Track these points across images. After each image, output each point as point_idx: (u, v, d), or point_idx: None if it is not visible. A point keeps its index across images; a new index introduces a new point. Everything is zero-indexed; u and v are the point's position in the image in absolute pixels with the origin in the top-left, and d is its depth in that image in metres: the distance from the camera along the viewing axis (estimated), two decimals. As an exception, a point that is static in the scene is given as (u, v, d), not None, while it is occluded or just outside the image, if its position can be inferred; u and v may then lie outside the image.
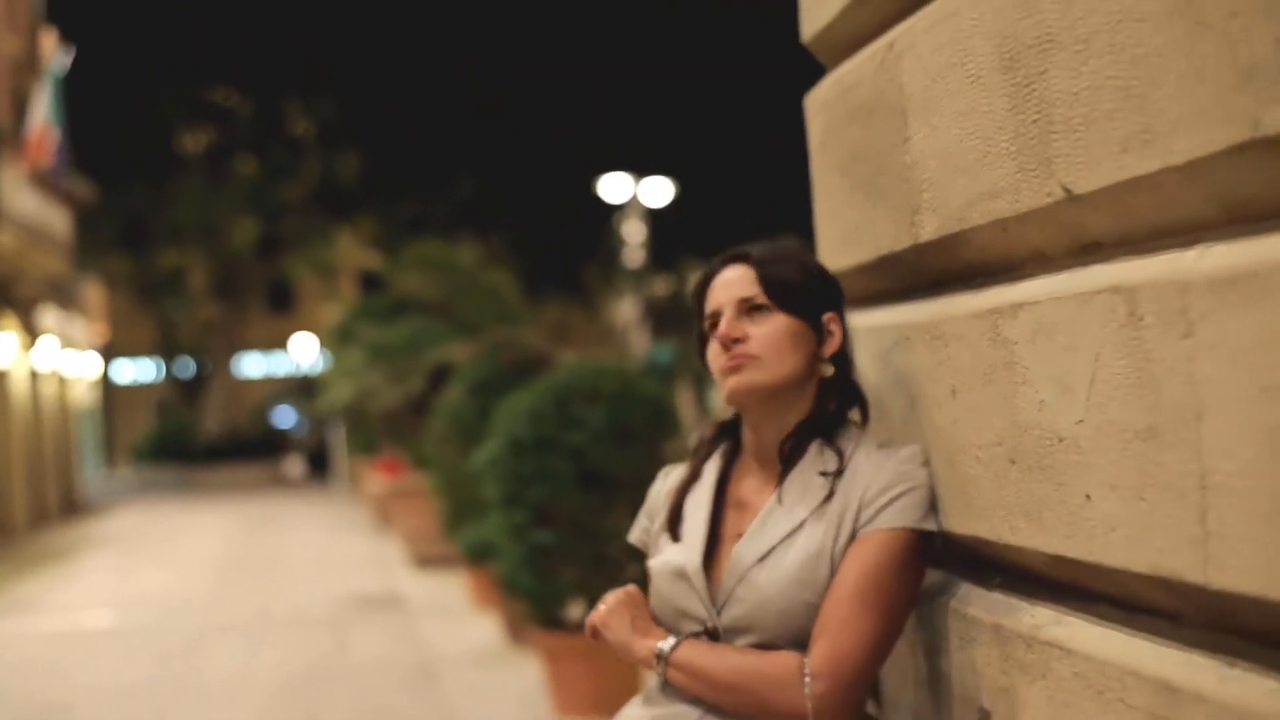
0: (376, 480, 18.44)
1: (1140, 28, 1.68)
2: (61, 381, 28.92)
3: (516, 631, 9.37)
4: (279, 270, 39.67)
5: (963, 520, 2.31)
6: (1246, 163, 1.53)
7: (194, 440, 38.73)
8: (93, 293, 34.98)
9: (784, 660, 2.28)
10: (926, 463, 2.37)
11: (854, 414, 2.53)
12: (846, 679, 2.24)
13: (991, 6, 2.06)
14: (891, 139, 2.47)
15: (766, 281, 2.43)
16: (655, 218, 32.53)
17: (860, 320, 2.76)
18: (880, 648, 2.28)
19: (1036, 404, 2.02)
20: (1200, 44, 1.57)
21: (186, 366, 42.99)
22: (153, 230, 35.58)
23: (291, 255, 37.66)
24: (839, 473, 2.36)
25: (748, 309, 2.43)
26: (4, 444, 23.15)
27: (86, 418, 35.88)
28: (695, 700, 2.37)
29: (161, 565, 17.12)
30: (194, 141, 35.52)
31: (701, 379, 26.76)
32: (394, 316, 18.14)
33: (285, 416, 47.13)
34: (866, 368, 2.67)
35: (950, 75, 2.22)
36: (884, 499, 2.31)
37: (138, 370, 48.95)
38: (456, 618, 11.13)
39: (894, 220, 2.51)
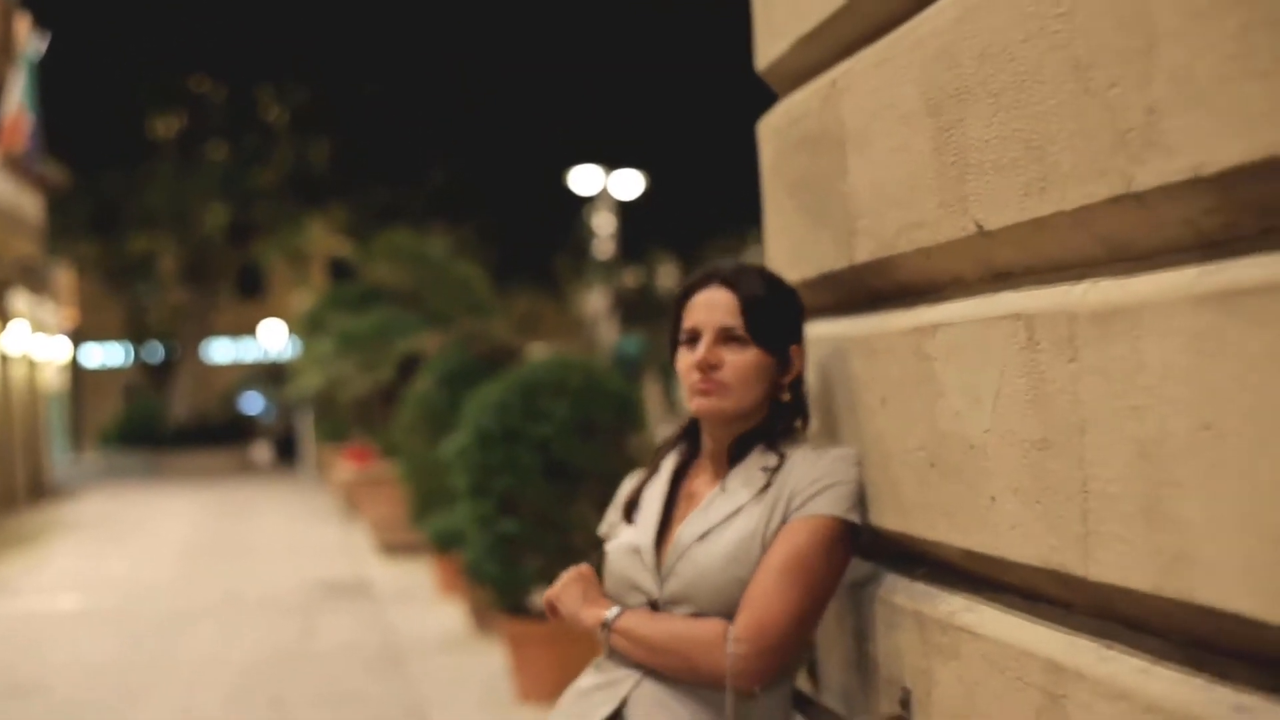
0: (345, 468, 18.57)
1: (1041, 88, 1.92)
2: (31, 365, 28.96)
3: (481, 618, 9.57)
4: (250, 256, 39.70)
5: (891, 517, 2.55)
6: (1122, 212, 1.77)
7: (162, 425, 38.71)
8: (63, 277, 35.00)
9: (711, 625, 2.53)
10: (858, 463, 2.62)
11: (798, 422, 2.78)
12: (766, 644, 2.48)
13: (919, 57, 2.30)
14: (833, 168, 2.71)
15: (748, 316, 2.65)
16: (625, 210, 32.71)
17: (806, 331, 3.00)
18: (800, 620, 2.52)
19: (952, 414, 2.26)
20: (1087, 108, 1.81)
21: (155, 351, 42.98)
22: (124, 215, 35.58)
23: (262, 241, 37.70)
24: (778, 468, 2.61)
25: (726, 338, 2.66)
26: (-27, 426, 23.22)
27: (55, 401, 35.90)
28: (636, 665, 2.62)
29: (130, 549, 17.24)
30: (166, 127, 35.54)
31: (669, 372, 26.97)
32: (364, 305, 18.25)
33: (254, 403, 47.17)
34: (809, 375, 2.91)
35: (884, 115, 2.46)
36: (814, 489, 2.56)
37: (106, 355, 48.90)
38: (423, 604, 11.33)
39: (834, 242, 2.74)
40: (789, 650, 2.54)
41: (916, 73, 2.31)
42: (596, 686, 2.69)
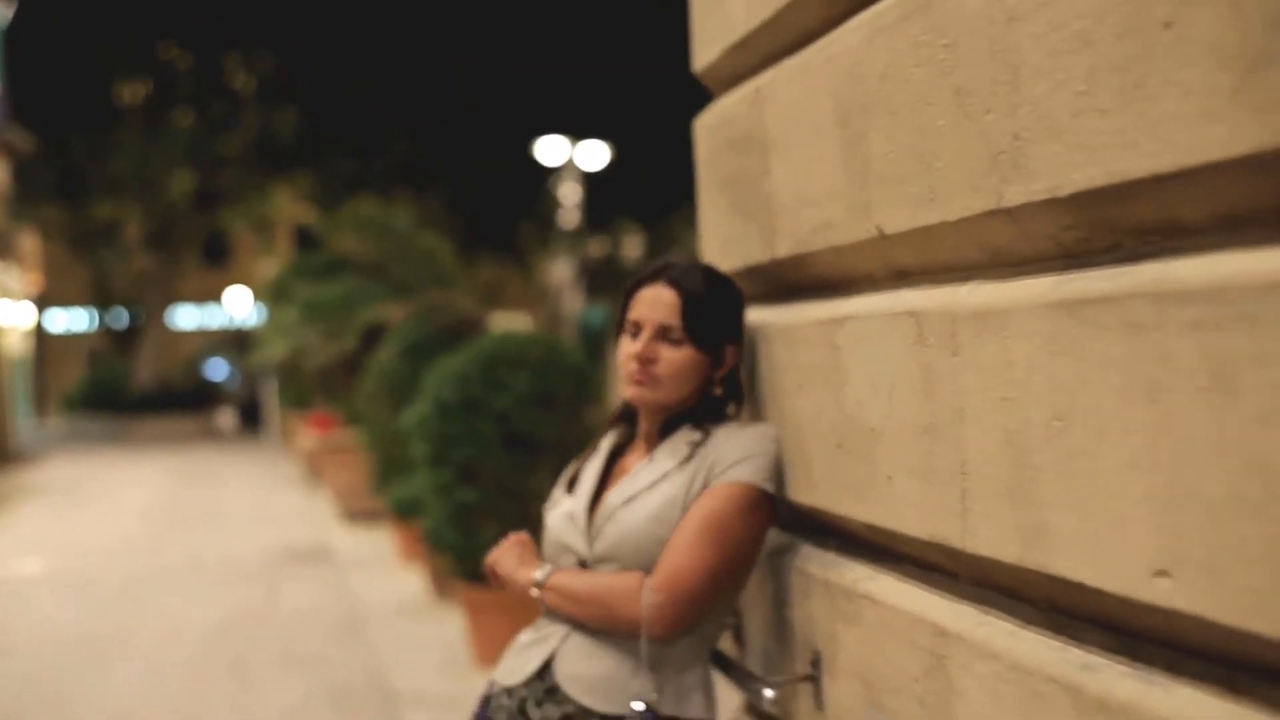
0: (308, 435, 18.70)
1: (930, 109, 2.13)
2: (-5, 330, 28.97)
3: (441, 585, 9.77)
4: (216, 223, 39.68)
5: (806, 493, 2.77)
6: (996, 225, 1.98)
7: (127, 391, 38.71)
8: (28, 242, 34.93)
9: (631, 577, 2.76)
10: (777, 440, 2.83)
11: (731, 408, 2.99)
12: (679, 595, 2.70)
13: (832, 71, 2.50)
14: (757, 169, 2.92)
15: (687, 318, 2.85)
16: (591, 180, 32.86)
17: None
18: (711, 575, 2.73)
19: (856, 401, 2.47)
20: (966, 130, 2.02)
21: (120, 317, 42.91)
22: (90, 181, 35.53)
23: (228, 209, 37.71)
24: (702, 441, 2.82)
25: (664, 335, 2.87)
26: (-63, 391, 23.24)
27: (19, 367, 35.86)
28: (566, 621, 2.84)
29: (94, 515, 17.35)
30: (133, 94, 35.49)
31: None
32: (329, 275, 18.32)
33: (218, 369, 47.20)
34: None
35: (801, 123, 2.66)
36: (733, 459, 2.77)
37: (71, 320, 48.78)
38: (384, 571, 11.52)
39: (758, 237, 2.95)
40: (700, 602, 2.75)
41: (829, 86, 2.51)
42: (532, 642, 2.92)
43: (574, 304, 37.20)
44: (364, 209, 19.94)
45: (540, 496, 7.26)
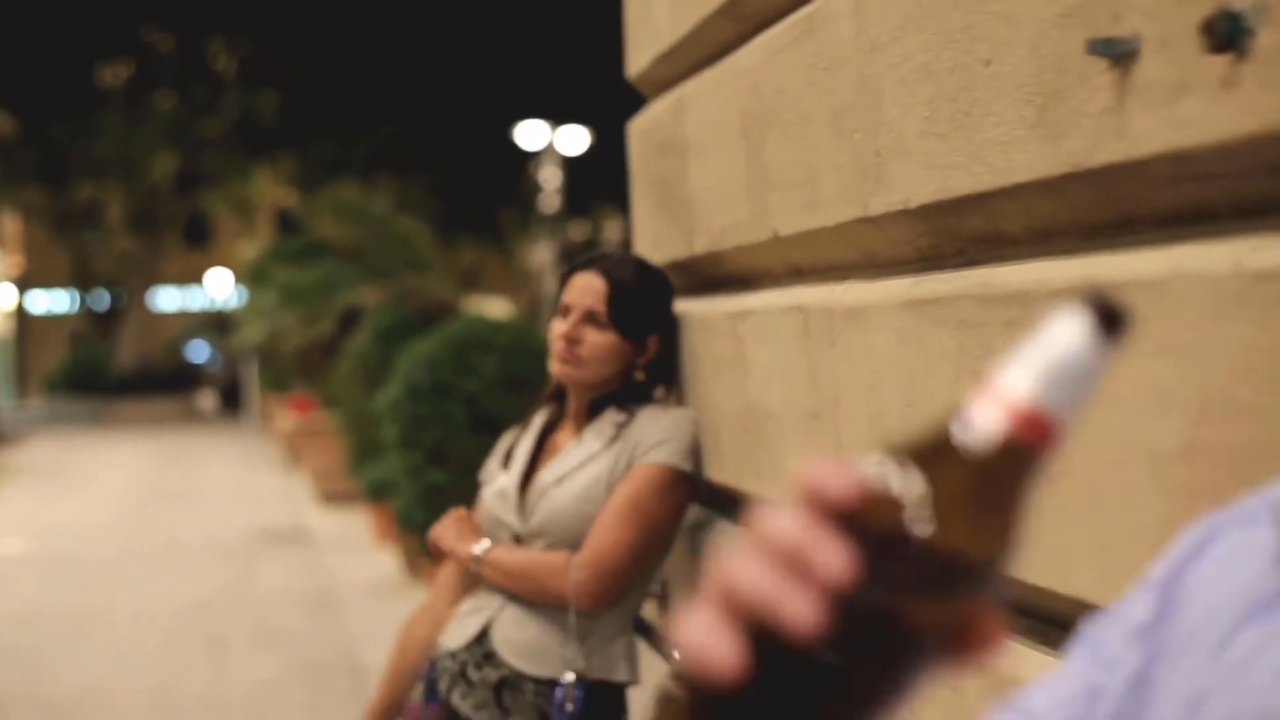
0: (287, 417, 18.82)
1: (813, 126, 2.36)
2: (-24, 311, 29.04)
3: (412, 565, 9.94)
4: (197, 206, 39.77)
5: (720, 472, 3.01)
6: (865, 231, 2.22)
7: (107, 373, 38.78)
8: (9, 224, 35.03)
9: (560, 555, 2.99)
10: (695, 423, 3.07)
11: (660, 390, 3.22)
12: (603, 572, 2.94)
13: (738, 86, 2.73)
14: (679, 172, 3.15)
15: (611, 304, 3.08)
16: (571, 165, 33.01)
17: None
18: (634, 554, 2.97)
19: (757, 387, 2.71)
20: (841, 146, 2.25)
21: (102, 299, 42.97)
22: (72, 163, 35.62)
23: (210, 191, 37.81)
24: (626, 423, 3.06)
25: (590, 319, 3.09)
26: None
27: (0, 348, 35.94)
28: (502, 593, 3.07)
29: (74, 495, 17.42)
30: (115, 76, 35.59)
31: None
32: (308, 259, 18.42)
33: (199, 351, 47.23)
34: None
35: (714, 132, 2.89)
36: (654, 441, 3.01)
37: (52, 301, 48.76)
38: (358, 551, 11.68)
39: (681, 234, 3.19)
40: (623, 577, 2.98)
41: (736, 99, 2.74)
42: (472, 610, 3.16)
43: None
44: (344, 193, 20.09)
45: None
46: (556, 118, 30.53)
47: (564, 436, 3.21)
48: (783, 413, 2.58)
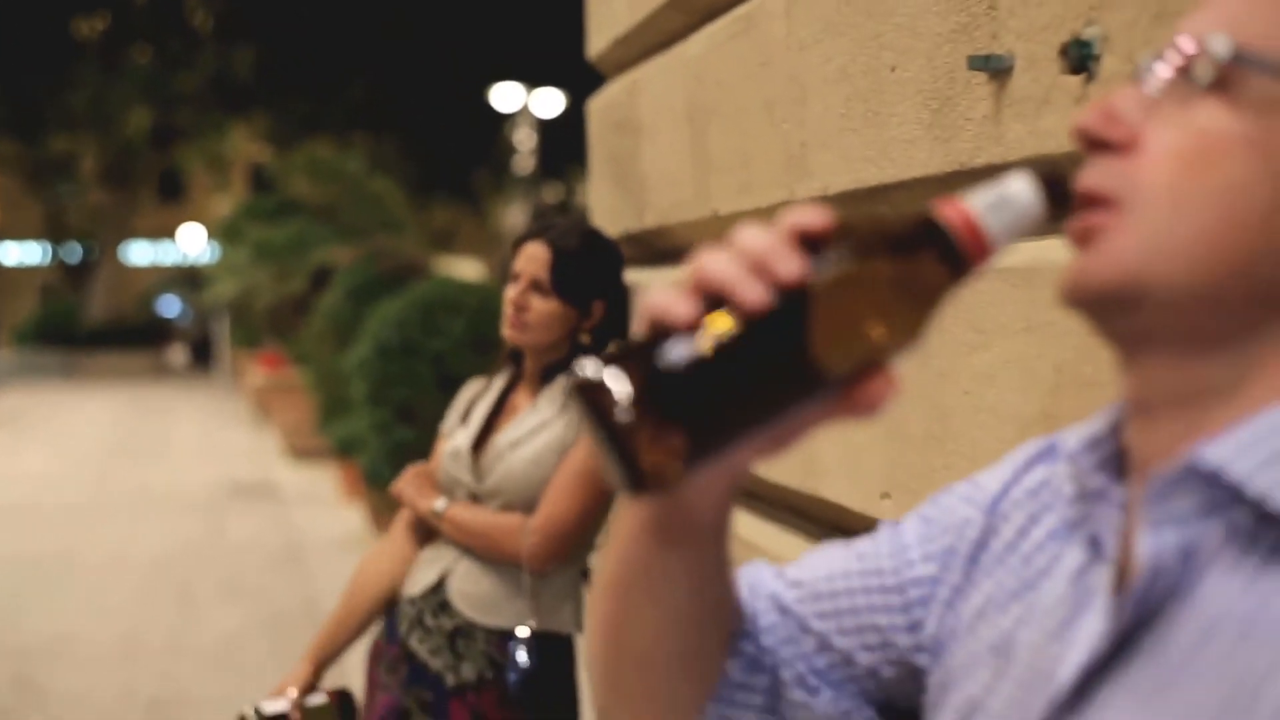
0: (257, 373, 18.95)
1: (749, 115, 2.57)
2: (-53, 262, 29.01)
3: (379, 520, 10.10)
4: (171, 160, 39.71)
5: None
6: (791, 214, 2.42)
7: (79, 325, 38.78)
8: (-20, 174, 34.97)
9: (515, 518, 3.19)
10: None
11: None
12: (554, 535, 3.14)
13: (684, 74, 2.93)
14: (632, 150, 3.35)
15: (554, 272, 3.26)
16: (546, 127, 33.09)
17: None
18: (583, 518, 3.17)
19: (697, 354, 2.91)
20: (772, 135, 2.46)
21: (74, 252, 42.91)
22: (46, 115, 35.52)
23: (184, 146, 37.74)
24: None
25: (536, 286, 3.28)
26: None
27: (-30, 299, 35.89)
28: (456, 546, 3.27)
29: (44, 447, 17.54)
30: (90, 28, 35.49)
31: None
32: (281, 217, 18.53)
33: (171, 306, 47.20)
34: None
35: (663, 115, 3.09)
36: None
37: (24, 253, 48.68)
38: (326, 506, 11.88)
39: (633, 208, 3.39)
40: (574, 540, 3.19)
41: (683, 86, 2.94)
42: (431, 559, 3.36)
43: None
44: (318, 152, 20.20)
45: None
46: (532, 80, 30.60)
47: (521, 398, 3.41)
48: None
